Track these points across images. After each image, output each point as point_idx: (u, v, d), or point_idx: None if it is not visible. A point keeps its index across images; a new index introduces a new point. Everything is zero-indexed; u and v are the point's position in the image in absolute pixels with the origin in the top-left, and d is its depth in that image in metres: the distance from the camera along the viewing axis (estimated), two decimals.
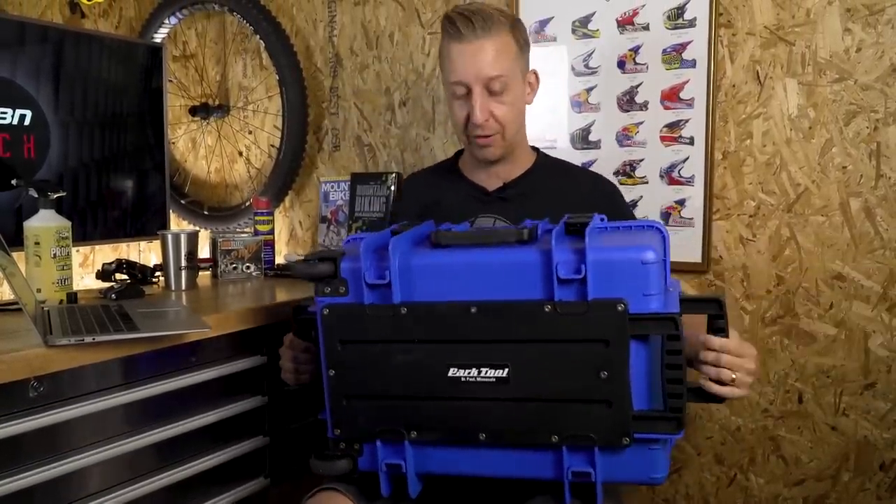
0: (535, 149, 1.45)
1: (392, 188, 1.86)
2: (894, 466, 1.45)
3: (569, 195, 1.37)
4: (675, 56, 1.58)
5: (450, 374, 0.96)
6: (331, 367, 1.00)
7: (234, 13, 2.04)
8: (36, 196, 1.39)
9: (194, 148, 2.31)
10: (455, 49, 1.27)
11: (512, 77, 1.28)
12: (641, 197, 1.64)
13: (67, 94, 1.69)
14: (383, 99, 1.98)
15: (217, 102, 2.23)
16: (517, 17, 1.36)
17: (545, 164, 1.42)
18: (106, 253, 2.18)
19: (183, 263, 1.58)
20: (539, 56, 1.60)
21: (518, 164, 1.39)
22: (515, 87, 1.29)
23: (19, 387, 1.03)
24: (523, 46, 1.32)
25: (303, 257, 1.08)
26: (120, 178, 1.82)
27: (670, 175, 1.60)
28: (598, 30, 1.65)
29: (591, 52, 1.66)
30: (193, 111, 2.22)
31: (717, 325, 0.97)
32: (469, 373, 0.95)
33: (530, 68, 1.36)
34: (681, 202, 1.60)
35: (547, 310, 0.92)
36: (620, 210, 1.39)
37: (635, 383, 0.92)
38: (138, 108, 1.85)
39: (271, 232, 1.85)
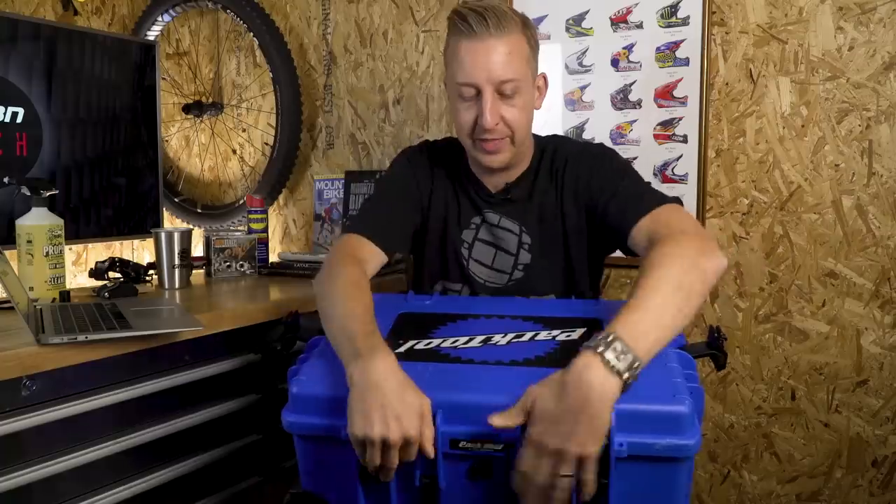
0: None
1: None
2: (886, 463, 1.46)
3: (570, 184, 1.30)
4: (668, 54, 1.58)
5: None
6: None
7: (228, 11, 2.03)
8: (28, 194, 1.38)
9: (188, 146, 2.31)
10: (465, 47, 1.19)
11: (524, 80, 1.20)
12: None
13: (60, 91, 1.68)
14: (377, 97, 1.98)
15: (210, 100, 2.22)
16: (526, 16, 1.27)
17: (543, 154, 1.35)
18: (99, 251, 2.18)
19: (176, 262, 1.57)
20: None
21: (520, 166, 1.33)
22: (527, 90, 1.22)
23: (11, 385, 1.02)
24: (534, 48, 1.25)
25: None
26: (113, 176, 1.81)
27: (664, 173, 1.60)
28: (591, 28, 1.66)
29: (585, 51, 1.66)
30: (187, 109, 2.21)
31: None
32: None
33: (540, 71, 1.28)
34: None
35: None
36: (610, 181, 1.27)
37: None
38: (131, 105, 1.85)
39: (265, 230, 1.84)
